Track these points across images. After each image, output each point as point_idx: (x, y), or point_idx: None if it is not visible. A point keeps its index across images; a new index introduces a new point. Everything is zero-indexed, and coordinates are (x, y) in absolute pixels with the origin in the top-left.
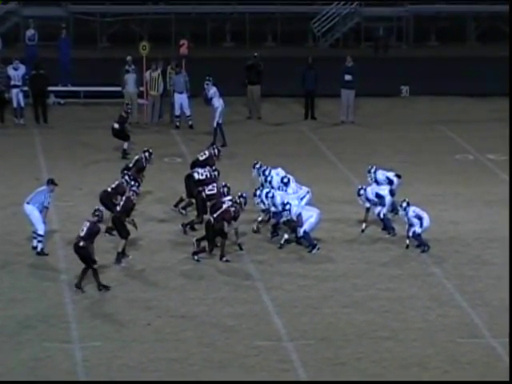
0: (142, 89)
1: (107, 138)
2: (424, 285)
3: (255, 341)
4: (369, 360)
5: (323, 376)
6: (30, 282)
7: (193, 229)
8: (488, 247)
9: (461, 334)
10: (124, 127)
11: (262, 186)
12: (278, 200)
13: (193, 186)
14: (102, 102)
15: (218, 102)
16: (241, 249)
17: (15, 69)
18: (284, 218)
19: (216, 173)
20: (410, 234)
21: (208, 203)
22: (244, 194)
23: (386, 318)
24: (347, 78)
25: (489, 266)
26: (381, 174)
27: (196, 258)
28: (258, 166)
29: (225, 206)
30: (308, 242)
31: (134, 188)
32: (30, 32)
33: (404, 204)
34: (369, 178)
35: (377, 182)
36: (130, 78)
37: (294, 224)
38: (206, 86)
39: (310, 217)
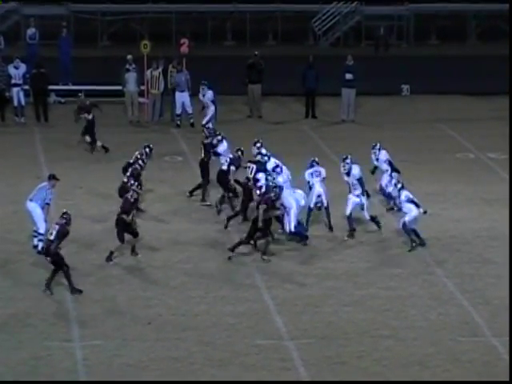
0: (142, 87)
1: (108, 136)
2: (424, 283)
3: (256, 339)
4: (369, 359)
5: (324, 375)
6: (31, 280)
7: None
8: (489, 246)
9: (461, 333)
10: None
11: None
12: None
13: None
14: (102, 101)
15: (211, 108)
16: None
17: (16, 67)
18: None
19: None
20: (400, 226)
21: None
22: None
23: (386, 316)
24: (348, 76)
25: (489, 264)
26: (383, 155)
27: (265, 258)
28: (258, 144)
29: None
30: (299, 235)
31: (133, 187)
32: (30, 31)
33: (399, 185)
34: (372, 155)
35: (377, 160)
36: (131, 77)
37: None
38: (201, 89)
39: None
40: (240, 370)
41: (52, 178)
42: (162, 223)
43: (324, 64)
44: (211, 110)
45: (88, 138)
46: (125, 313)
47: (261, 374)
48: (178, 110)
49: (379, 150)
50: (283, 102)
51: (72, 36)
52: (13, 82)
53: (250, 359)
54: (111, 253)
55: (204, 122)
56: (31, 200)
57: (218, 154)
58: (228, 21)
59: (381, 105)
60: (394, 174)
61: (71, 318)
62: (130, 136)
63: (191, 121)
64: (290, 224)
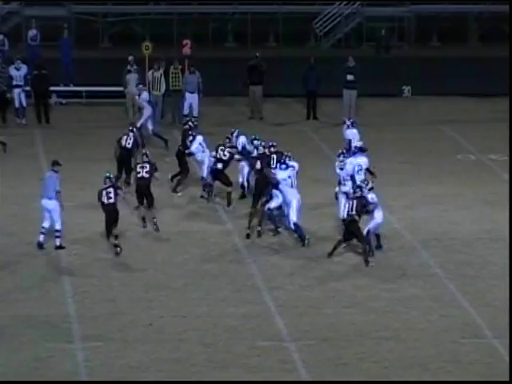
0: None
1: (109, 137)
2: (426, 285)
3: (257, 341)
4: (371, 360)
5: (325, 376)
6: (32, 282)
7: None
8: (489, 247)
9: (463, 335)
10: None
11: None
12: None
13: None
14: (104, 102)
15: (147, 109)
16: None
17: (17, 69)
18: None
19: None
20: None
21: None
22: None
23: (387, 318)
24: (349, 78)
25: (490, 266)
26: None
27: (371, 262)
28: (235, 134)
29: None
30: (300, 233)
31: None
32: (32, 32)
33: (369, 186)
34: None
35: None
36: (132, 78)
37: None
38: (137, 90)
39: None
40: (241, 372)
41: (56, 163)
42: (163, 224)
43: (325, 65)
44: (147, 111)
45: None
46: (126, 314)
47: (262, 375)
48: (186, 111)
49: (349, 126)
50: (285, 103)
51: (73, 37)
52: (14, 83)
53: (251, 361)
54: (116, 237)
55: (138, 125)
56: (48, 197)
57: (191, 154)
58: (229, 22)
59: (382, 106)
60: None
61: (72, 319)
62: None
63: (195, 123)
64: (293, 216)
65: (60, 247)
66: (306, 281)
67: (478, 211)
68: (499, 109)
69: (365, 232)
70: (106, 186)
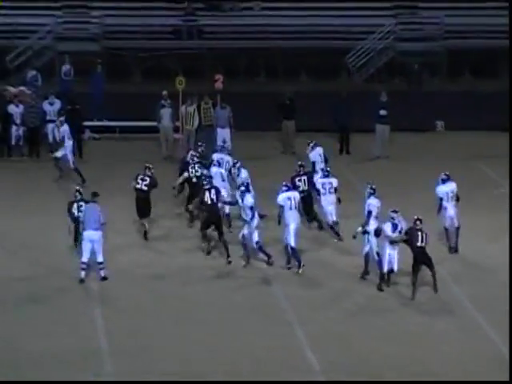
0: (177, 124)
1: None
2: (457, 318)
3: (287, 373)
4: None
5: None
6: (64, 315)
7: None
8: None
9: (493, 368)
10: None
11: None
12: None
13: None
14: (137, 137)
15: (68, 143)
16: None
17: (51, 104)
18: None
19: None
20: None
21: None
22: None
23: (418, 351)
24: (382, 112)
25: None
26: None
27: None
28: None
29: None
30: (297, 257)
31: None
32: (65, 67)
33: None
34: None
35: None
36: (166, 113)
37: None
38: (58, 122)
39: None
40: None
41: (95, 195)
42: (193, 257)
43: (357, 100)
44: (68, 145)
45: None
46: (157, 348)
47: None
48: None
49: (312, 148)
50: (316, 138)
51: (105, 72)
52: (48, 118)
53: None
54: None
55: (58, 155)
56: (92, 229)
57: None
58: (261, 57)
59: (415, 141)
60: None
61: (104, 353)
62: (164, 172)
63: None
64: (290, 240)
65: (105, 278)
66: (337, 313)
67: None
68: None
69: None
70: (77, 199)
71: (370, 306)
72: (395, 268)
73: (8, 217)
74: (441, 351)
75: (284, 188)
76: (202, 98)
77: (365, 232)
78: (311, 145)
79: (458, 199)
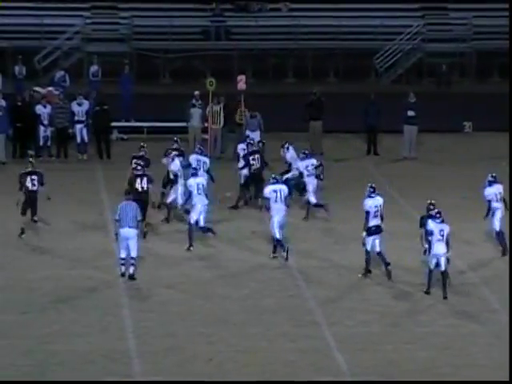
0: (206, 124)
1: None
2: (486, 321)
3: (317, 376)
4: None
5: None
6: (92, 316)
7: None
8: None
9: None
10: None
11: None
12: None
13: None
14: (164, 138)
15: None
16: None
17: (79, 104)
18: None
19: None
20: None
21: None
22: None
23: (448, 354)
24: (410, 113)
25: None
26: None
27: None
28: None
29: None
30: (281, 243)
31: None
32: (93, 68)
33: None
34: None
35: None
36: (196, 113)
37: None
38: None
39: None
40: None
41: (128, 193)
42: (222, 260)
43: (385, 101)
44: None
45: None
46: (186, 349)
47: None
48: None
49: (287, 149)
50: (344, 138)
51: (134, 73)
52: (76, 118)
53: None
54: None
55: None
56: (128, 226)
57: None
58: (289, 58)
59: (443, 142)
60: None
61: (132, 354)
62: None
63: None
64: (275, 231)
65: (133, 277)
66: (366, 316)
67: None
68: None
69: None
70: (29, 170)
71: (399, 309)
72: (443, 267)
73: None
74: (470, 354)
75: (272, 180)
76: (232, 98)
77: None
78: (286, 146)
79: (506, 205)
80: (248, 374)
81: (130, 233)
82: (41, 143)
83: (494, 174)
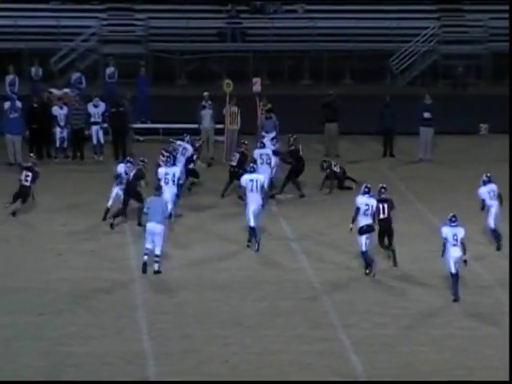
0: (218, 126)
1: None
2: (501, 324)
3: (332, 378)
4: None
5: None
6: (108, 318)
7: None
8: None
9: None
10: None
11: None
12: None
13: None
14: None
15: None
16: None
17: (95, 106)
18: None
19: None
20: None
21: None
22: None
23: (463, 356)
24: (426, 115)
25: None
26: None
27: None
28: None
29: None
30: (255, 235)
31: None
32: (109, 70)
33: None
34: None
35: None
36: (207, 114)
37: None
38: None
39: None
40: None
41: (157, 189)
42: (237, 261)
43: (401, 103)
44: None
45: None
46: (201, 351)
47: None
48: None
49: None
50: (360, 140)
51: (150, 75)
52: (92, 120)
53: None
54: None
55: None
56: (156, 221)
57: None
58: (305, 60)
59: (459, 144)
60: None
61: (148, 355)
62: (205, 174)
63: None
64: (250, 219)
65: (158, 272)
66: (381, 318)
67: None
68: None
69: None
70: (27, 165)
71: (415, 311)
72: (453, 270)
73: (54, 218)
74: (485, 356)
75: (251, 170)
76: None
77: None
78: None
79: (501, 201)
80: (263, 376)
81: (156, 228)
82: (57, 144)
83: (488, 174)
